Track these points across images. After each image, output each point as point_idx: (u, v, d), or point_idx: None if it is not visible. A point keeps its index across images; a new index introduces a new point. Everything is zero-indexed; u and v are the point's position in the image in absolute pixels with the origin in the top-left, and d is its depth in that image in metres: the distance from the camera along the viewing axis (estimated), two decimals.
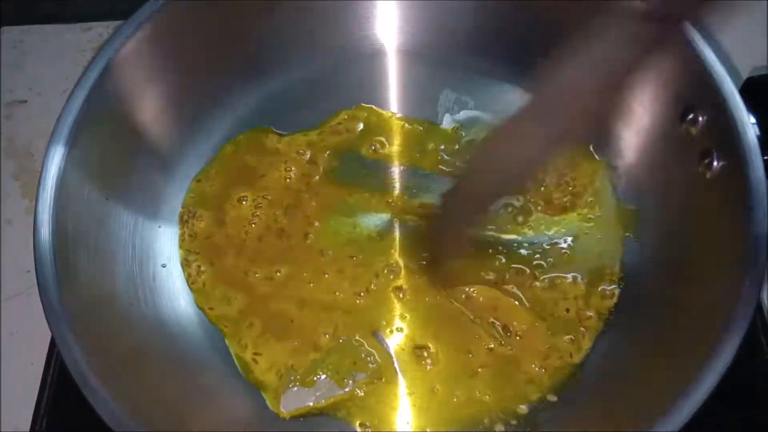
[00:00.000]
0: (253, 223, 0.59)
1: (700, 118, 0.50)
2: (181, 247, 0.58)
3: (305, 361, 0.53)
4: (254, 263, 0.57)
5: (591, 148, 0.61)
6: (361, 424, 0.51)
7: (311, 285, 0.56)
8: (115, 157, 0.55)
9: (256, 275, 0.56)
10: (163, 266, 0.57)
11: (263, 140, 0.63)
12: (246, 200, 0.60)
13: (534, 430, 0.51)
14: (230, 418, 0.52)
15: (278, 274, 0.56)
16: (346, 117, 0.63)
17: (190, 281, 0.57)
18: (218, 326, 0.55)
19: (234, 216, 0.59)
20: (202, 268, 0.57)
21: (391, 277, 0.56)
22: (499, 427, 0.51)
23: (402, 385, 0.52)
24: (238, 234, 0.58)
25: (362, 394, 0.52)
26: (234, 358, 0.54)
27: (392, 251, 0.57)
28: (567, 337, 0.53)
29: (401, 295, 0.55)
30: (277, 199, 0.60)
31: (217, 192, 0.60)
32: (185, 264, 0.57)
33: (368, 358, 0.53)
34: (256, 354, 0.54)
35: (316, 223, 0.58)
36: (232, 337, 0.54)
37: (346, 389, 0.52)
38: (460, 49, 0.64)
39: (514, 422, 0.51)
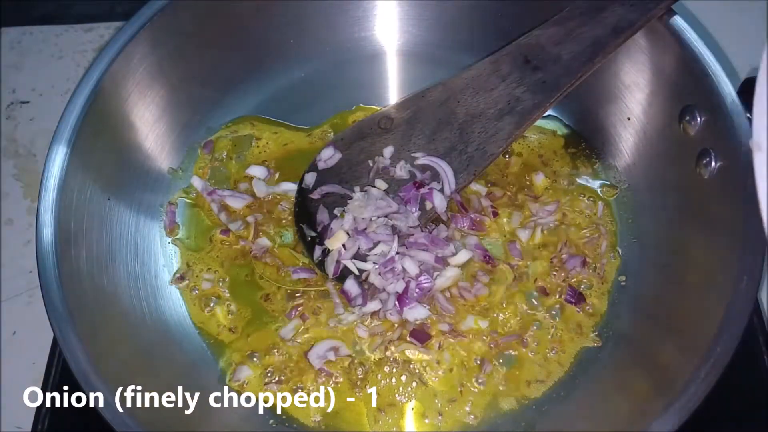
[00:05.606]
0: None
1: (699, 119, 0.50)
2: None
3: None
4: None
5: (590, 148, 0.61)
6: None
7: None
8: (117, 157, 0.56)
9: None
10: (165, 266, 0.57)
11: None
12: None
13: (532, 430, 0.51)
14: (229, 418, 0.52)
15: None
16: (346, 117, 0.64)
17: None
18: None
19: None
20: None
21: None
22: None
23: None
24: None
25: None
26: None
27: None
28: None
29: None
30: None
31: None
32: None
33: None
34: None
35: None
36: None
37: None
38: (459, 48, 0.64)
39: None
